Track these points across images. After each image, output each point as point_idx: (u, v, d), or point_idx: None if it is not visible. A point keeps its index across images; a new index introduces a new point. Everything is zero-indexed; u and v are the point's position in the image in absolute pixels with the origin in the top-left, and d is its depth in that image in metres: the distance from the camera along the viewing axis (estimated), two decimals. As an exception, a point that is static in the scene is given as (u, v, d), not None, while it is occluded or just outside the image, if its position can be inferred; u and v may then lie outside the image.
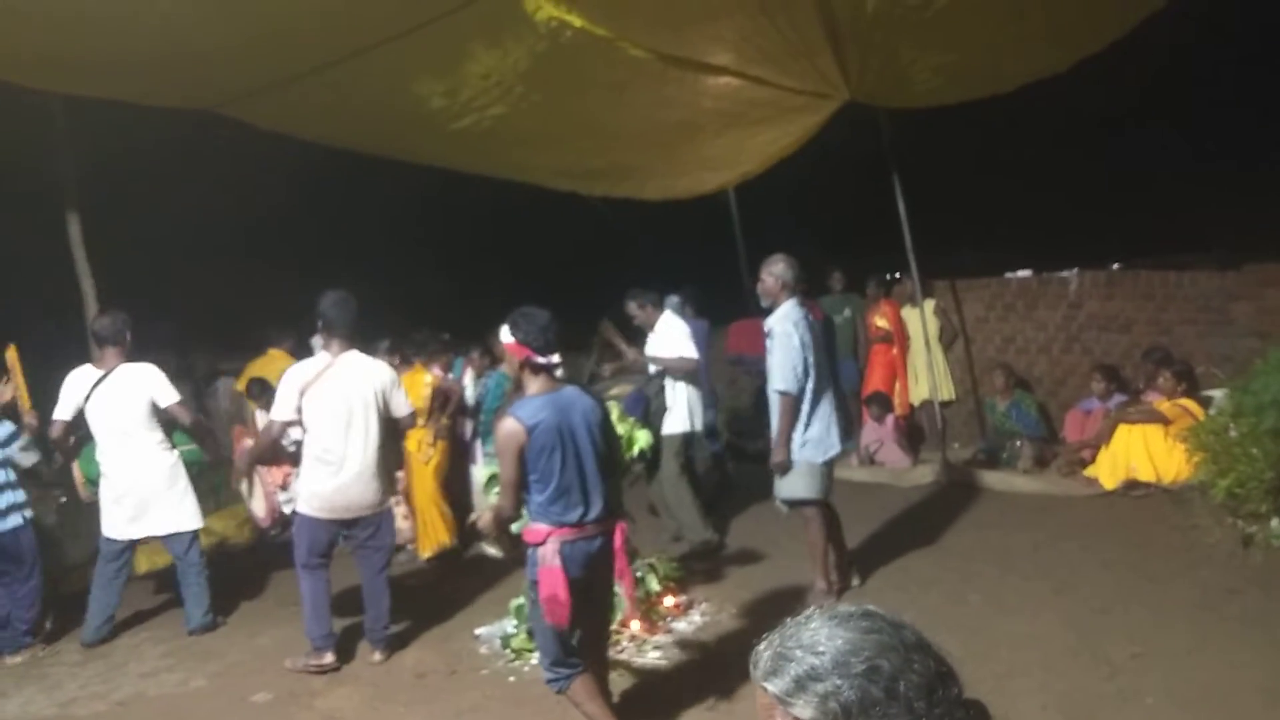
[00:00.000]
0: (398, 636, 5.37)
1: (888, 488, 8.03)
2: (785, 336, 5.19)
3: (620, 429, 5.27)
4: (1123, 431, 7.02)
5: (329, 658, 5.06)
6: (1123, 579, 5.32)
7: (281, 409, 5.05)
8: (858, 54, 6.20)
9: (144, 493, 5.68)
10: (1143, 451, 6.89)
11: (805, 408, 5.24)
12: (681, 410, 6.68)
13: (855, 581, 5.65)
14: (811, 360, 5.21)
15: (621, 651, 4.94)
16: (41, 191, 7.19)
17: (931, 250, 8.49)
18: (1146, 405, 7.16)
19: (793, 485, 5.32)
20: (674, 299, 8.22)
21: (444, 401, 7.22)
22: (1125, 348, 8.20)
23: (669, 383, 6.69)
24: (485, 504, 4.57)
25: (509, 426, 3.64)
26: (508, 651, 5.06)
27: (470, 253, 12.38)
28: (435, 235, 12.61)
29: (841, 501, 6.17)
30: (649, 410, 6.59)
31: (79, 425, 5.69)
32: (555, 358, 3.74)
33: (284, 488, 5.46)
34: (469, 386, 7.57)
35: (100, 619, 5.74)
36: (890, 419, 8.68)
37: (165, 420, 5.78)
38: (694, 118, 6.91)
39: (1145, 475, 6.87)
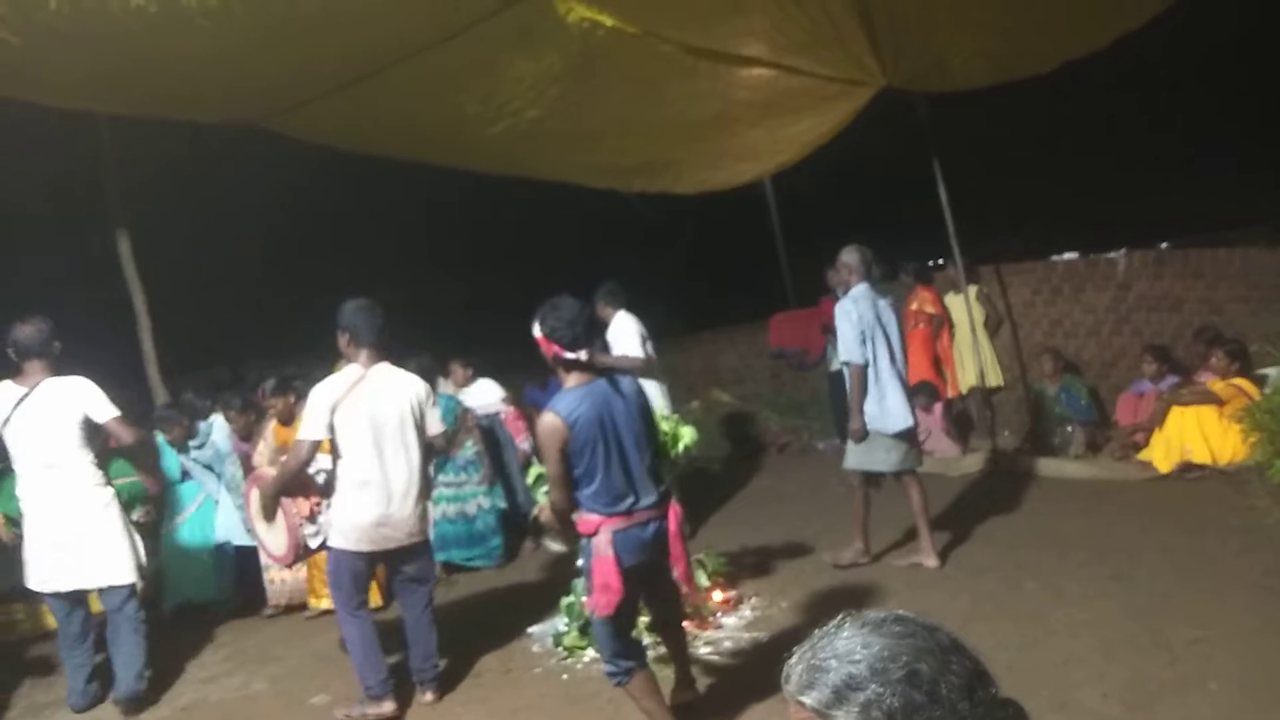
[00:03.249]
0: (453, 636, 5.40)
1: (937, 477, 7.94)
2: (845, 314, 5.59)
3: (664, 426, 5.30)
4: (1176, 413, 6.89)
5: (388, 706, 4.62)
6: (1181, 563, 5.22)
7: (312, 427, 4.45)
8: (893, 39, 6.15)
9: (73, 537, 4.79)
10: (1197, 433, 6.76)
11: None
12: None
13: (933, 563, 5.68)
14: (875, 338, 5.57)
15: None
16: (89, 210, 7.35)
17: (974, 235, 8.40)
18: (1200, 386, 7.02)
19: (849, 454, 5.78)
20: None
21: None
22: (1176, 327, 8.05)
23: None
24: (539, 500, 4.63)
25: (549, 421, 3.62)
26: (560, 650, 5.09)
27: (492, 257, 12.42)
28: (453, 241, 12.64)
29: (890, 492, 6.13)
30: None
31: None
32: (583, 352, 3.69)
33: (311, 519, 4.75)
34: None
35: (81, 682, 5.06)
36: (938, 408, 8.60)
37: (100, 448, 4.94)
38: (728, 110, 6.90)
39: (1200, 457, 6.73)
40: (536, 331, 3.74)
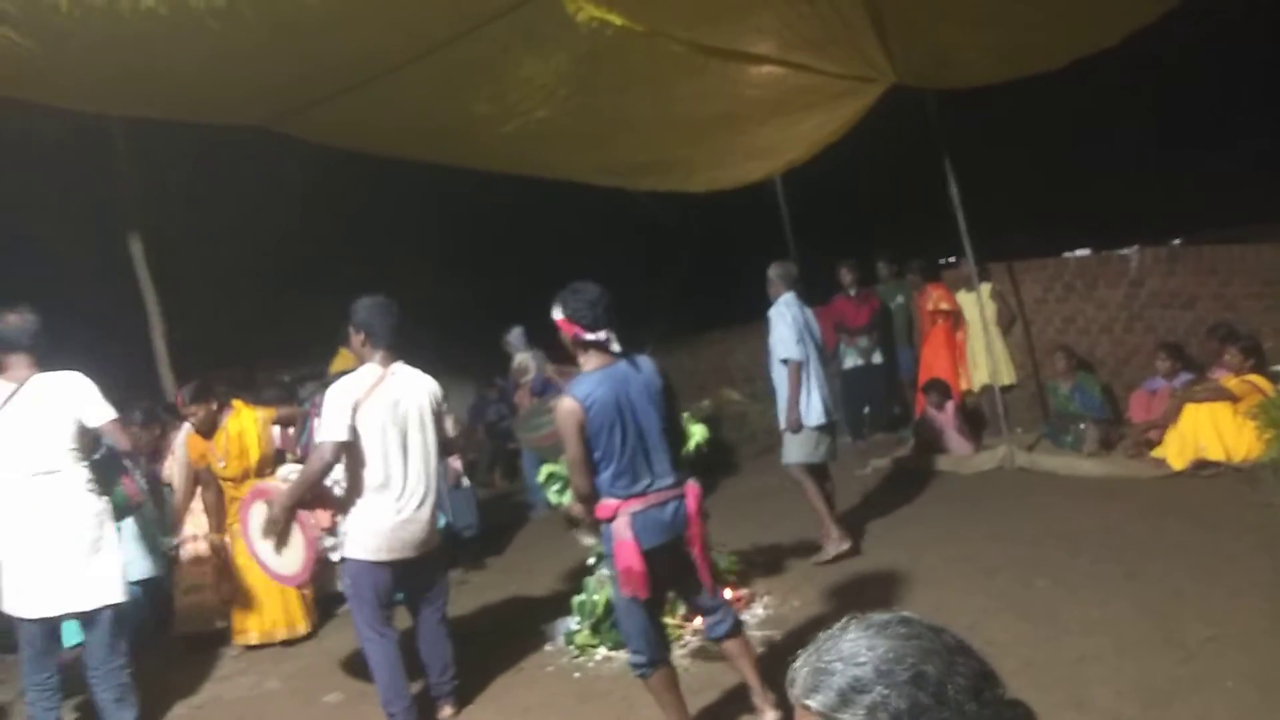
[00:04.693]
0: (464, 635, 5.40)
1: (950, 475, 7.94)
2: (781, 316, 6.12)
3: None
4: (1190, 410, 6.86)
5: None
6: (1195, 561, 5.19)
7: (333, 429, 4.23)
8: (902, 36, 6.12)
9: (65, 553, 4.26)
10: (1211, 430, 6.73)
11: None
12: None
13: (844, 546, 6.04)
14: (805, 341, 6.11)
15: (685, 645, 4.95)
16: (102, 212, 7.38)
17: (985, 232, 8.38)
18: (1213, 383, 6.99)
19: (788, 450, 6.18)
20: (516, 330, 8.92)
21: (299, 432, 6.17)
22: (1189, 324, 8.00)
23: None
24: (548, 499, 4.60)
25: (567, 405, 3.64)
26: (572, 648, 5.10)
27: (498, 257, 12.41)
28: (458, 241, 12.63)
29: (901, 491, 6.14)
30: None
31: None
32: (604, 333, 3.71)
33: (331, 531, 4.40)
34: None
35: None
36: (950, 406, 8.58)
37: (89, 450, 4.47)
38: (737, 108, 6.88)
39: (1215, 454, 6.70)
40: (557, 314, 3.76)
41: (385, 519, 4.31)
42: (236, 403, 5.90)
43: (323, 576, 4.75)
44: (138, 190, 7.31)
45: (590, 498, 3.75)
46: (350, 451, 4.28)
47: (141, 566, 6.00)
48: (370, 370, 4.38)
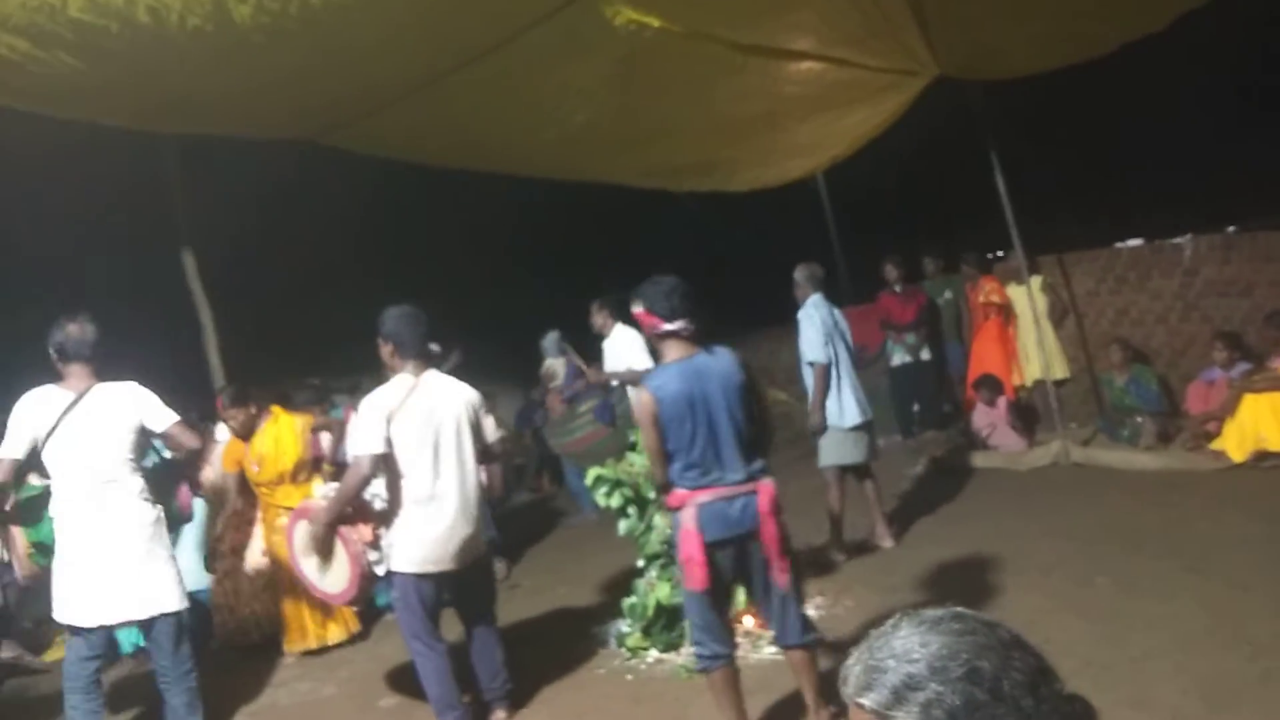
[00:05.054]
0: (515, 641, 5.43)
1: (1003, 472, 7.83)
2: (808, 318, 6.14)
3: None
4: (1249, 401, 6.70)
5: None
6: (1260, 554, 5.06)
7: (368, 441, 4.20)
8: (945, 27, 6.05)
9: (125, 561, 4.31)
10: (1271, 420, 6.58)
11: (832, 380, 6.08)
12: None
13: (888, 544, 6.24)
14: (835, 342, 6.12)
15: (736, 647, 4.91)
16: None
17: (1034, 224, 8.26)
18: (1272, 372, 6.84)
19: (823, 453, 6.17)
20: (552, 335, 8.88)
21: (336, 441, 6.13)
22: (1246, 313, 7.83)
23: (629, 390, 7.02)
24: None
25: (643, 397, 3.73)
26: (624, 650, 5.10)
27: (552, 262, 12.46)
28: (514, 247, 12.70)
29: (954, 489, 6.06)
30: (616, 416, 7.19)
31: (30, 469, 4.42)
32: (680, 323, 3.76)
33: (374, 545, 4.34)
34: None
35: None
36: (1002, 401, 8.46)
37: (143, 459, 4.55)
38: (778, 105, 6.85)
39: (1276, 445, 6.56)
40: (637, 308, 3.85)
41: (428, 530, 4.27)
42: (275, 408, 5.90)
43: (368, 591, 4.63)
44: (191, 206, 7.44)
45: (665, 487, 3.81)
46: (388, 463, 4.25)
47: (200, 577, 6.07)
48: (403, 381, 4.34)
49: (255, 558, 5.90)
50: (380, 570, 4.39)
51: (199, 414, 6.42)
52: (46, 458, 4.30)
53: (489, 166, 7.35)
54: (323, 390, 6.92)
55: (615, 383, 7.17)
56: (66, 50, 4.26)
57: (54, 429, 4.26)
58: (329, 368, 10.38)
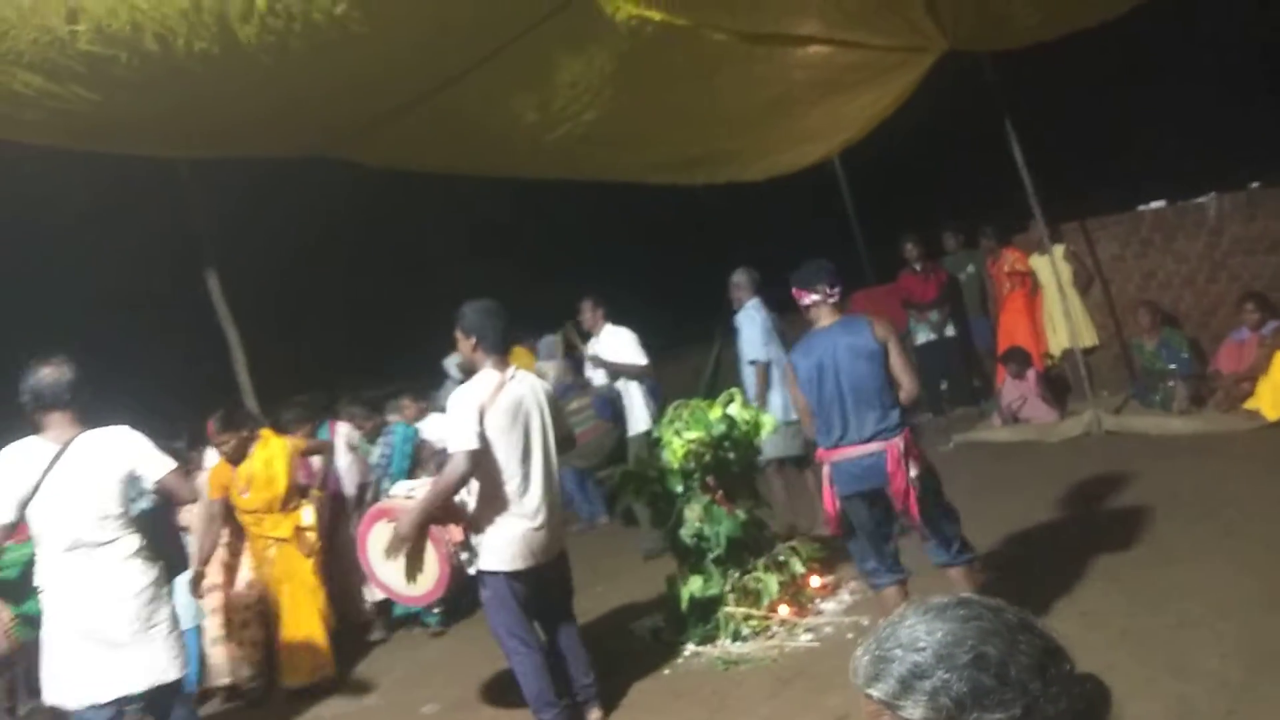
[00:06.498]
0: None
1: (1035, 445, 7.77)
2: (749, 320, 6.50)
3: (745, 415, 5.32)
4: (1281, 358, 6.61)
5: None
6: (1298, 515, 5.00)
7: (464, 437, 4.08)
8: (952, 0, 6.00)
9: (116, 630, 3.78)
10: (1307, 377, 6.48)
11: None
12: (641, 410, 7.04)
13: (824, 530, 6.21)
14: (774, 342, 6.43)
15: (772, 637, 4.94)
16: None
17: (1054, 193, 8.17)
18: (1305, 327, 6.72)
19: (765, 447, 6.05)
20: (549, 338, 8.91)
21: (326, 464, 6.12)
22: (1275, 269, 7.72)
23: (622, 385, 7.18)
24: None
25: (788, 365, 4.40)
26: (661, 645, 5.12)
27: (574, 261, 12.50)
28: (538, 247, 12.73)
29: (986, 464, 6.02)
30: (618, 411, 7.33)
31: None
32: (814, 296, 4.29)
33: (466, 545, 4.19)
34: (343, 455, 6.52)
35: None
36: (1031, 374, 8.38)
37: (138, 515, 4.09)
38: (787, 92, 6.82)
39: (1312, 401, 6.45)
40: (794, 287, 4.39)
41: (519, 526, 4.20)
42: (264, 432, 5.73)
43: (454, 591, 4.49)
44: (211, 227, 7.52)
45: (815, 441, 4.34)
46: (479, 459, 4.12)
47: (190, 615, 5.51)
48: (489, 375, 4.24)
49: (220, 594, 5.69)
50: (471, 571, 4.27)
51: (188, 440, 6.18)
52: (30, 519, 3.78)
53: (501, 172, 7.39)
54: (311, 408, 6.73)
55: (607, 378, 7.23)
56: (79, 83, 4.33)
57: (38, 486, 3.73)
58: (354, 374, 10.48)
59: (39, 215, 7.23)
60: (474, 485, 4.21)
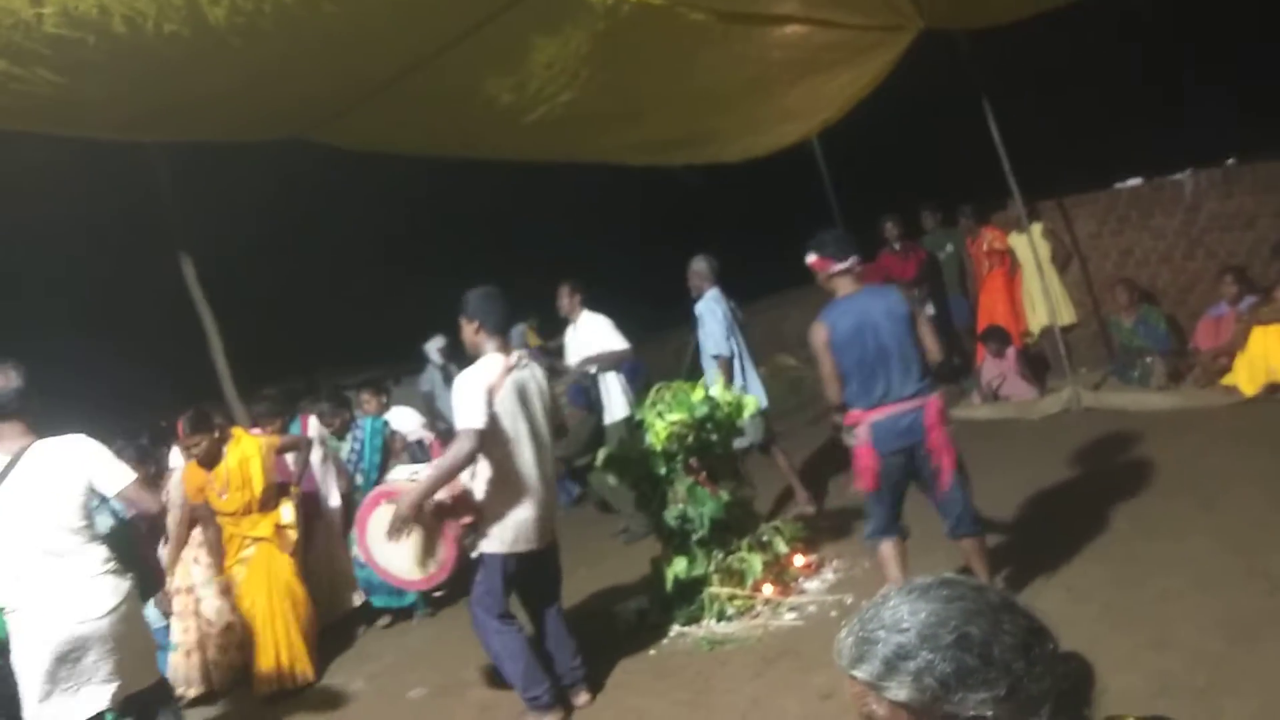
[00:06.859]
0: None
1: (1015, 422, 7.81)
2: (710, 312, 6.48)
3: (728, 397, 5.30)
4: (1258, 334, 6.66)
5: (557, 715, 4.38)
6: (1275, 488, 5.03)
7: (472, 416, 4.09)
8: (926, -22, 5.99)
9: (87, 644, 3.62)
10: (1282, 352, 6.53)
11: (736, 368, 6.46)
12: (618, 397, 6.96)
13: (810, 509, 6.48)
14: (735, 334, 6.49)
15: (756, 616, 4.95)
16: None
17: (1032, 171, 8.19)
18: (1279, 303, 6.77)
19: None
20: (519, 326, 9.01)
21: (303, 461, 6.04)
22: (1251, 245, 7.77)
23: (609, 377, 7.02)
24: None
25: (816, 327, 4.32)
26: (646, 626, 5.12)
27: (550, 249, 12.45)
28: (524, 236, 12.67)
29: (966, 442, 5.95)
30: (591, 399, 7.29)
31: None
32: (848, 263, 4.32)
33: (472, 526, 4.20)
34: (318, 449, 6.44)
35: None
36: (1011, 352, 8.42)
37: (106, 531, 3.96)
38: (765, 72, 6.78)
39: (1288, 376, 6.50)
40: (810, 258, 4.39)
41: (521, 509, 4.26)
42: (236, 430, 5.62)
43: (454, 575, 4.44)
44: (184, 212, 7.42)
45: (837, 406, 4.39)
46: (485, 440, 4.14)
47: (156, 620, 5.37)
48: (494, 359, 4.28)
49: (189, 598, 5.59)
50: (474, 554, 4.31)
51: (150, 438, 5.98)
52: None
53: (479, 154, 7.32)
54: (280, 401, 6.60)
55: (593, 369, 7.09)
56: (46, 66, 4.24)
57: None
58: (333, 361, 10.42)
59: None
60: (478, 468, 4.22)
